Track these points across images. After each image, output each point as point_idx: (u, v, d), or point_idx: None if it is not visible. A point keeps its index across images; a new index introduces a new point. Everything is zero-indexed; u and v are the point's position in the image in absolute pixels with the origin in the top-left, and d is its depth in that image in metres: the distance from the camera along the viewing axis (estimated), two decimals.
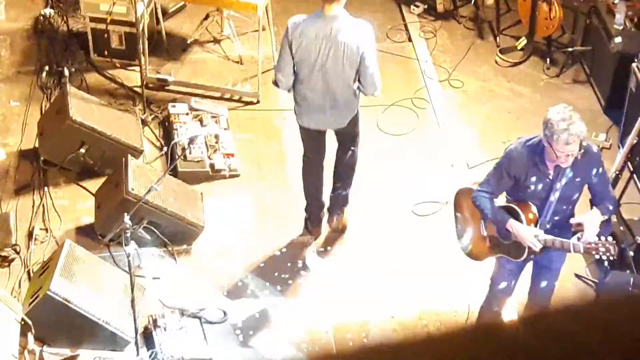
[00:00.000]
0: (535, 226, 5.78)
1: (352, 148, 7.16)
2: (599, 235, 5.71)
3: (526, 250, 5.85)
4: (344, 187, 7.29)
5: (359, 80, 6.73)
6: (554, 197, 5.76)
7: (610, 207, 5.85)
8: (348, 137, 7.12)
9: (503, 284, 6.26)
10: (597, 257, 5.75)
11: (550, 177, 5.73)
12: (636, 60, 7.70)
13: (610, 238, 5.73)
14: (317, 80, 6.67)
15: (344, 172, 7.27)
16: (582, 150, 5.61)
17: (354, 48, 6.52)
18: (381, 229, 7.42)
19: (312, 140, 7.13)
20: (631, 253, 6.68)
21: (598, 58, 8.59)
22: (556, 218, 5.84)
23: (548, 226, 5.79)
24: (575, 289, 6.92)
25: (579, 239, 5.72)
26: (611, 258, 5.72)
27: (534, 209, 5.80)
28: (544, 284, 6.19)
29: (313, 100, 6.78)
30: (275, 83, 7.01)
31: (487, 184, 5.92)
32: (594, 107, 8.46)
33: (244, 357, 6.64)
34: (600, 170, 5.79)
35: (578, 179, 5.74)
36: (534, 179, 5.77)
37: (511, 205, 5.85)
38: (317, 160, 7.22)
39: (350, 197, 7.41)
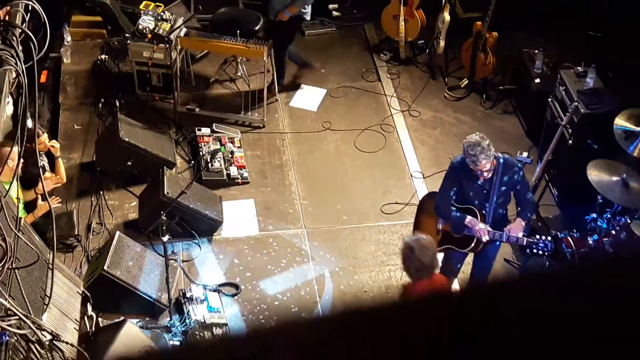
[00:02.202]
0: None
1: None
2: (529, 235, 5.80)
3: (473, 243, 5.87)
4: None
5: None
6: (492, 202, 5.78)
7: (529, 213, 5.92)
8: None
9: (451, 269, 6.27)
10: (535, 250, 5.78)
11: (483, 186, 5.76)
12: (551, 96, 7.73)
13: (548, 237, 5.81)
14: None
15: None
16: (505, 167, 5.67)
17: None
18: (358, 223, 7.43)
19: None
20: (552, 242, 6.70)
21: (522, 95, 8.61)
22: (494, 219, 5.86)
23: (489, 224, 5.82)
24: (504, 270, 6.94)
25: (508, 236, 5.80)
26: (547, 253, 5.76)
27: (480, 211, 5.83)
28: (482, 267, 6.21)
29: None
30: None
31: (444, 194, 5.93)
32: (519, 132, 8.49)
33: (251, 322, 6.63)
34: (522, 182, 5.83)
35: (504, 188, 5.77)
36: (469, 187, 5.80)
37: (469, 207, 5.86)
38: None
39: (340, 200, 7.46)
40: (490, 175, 5.68)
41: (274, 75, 8.75)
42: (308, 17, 8.69)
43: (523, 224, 5.84)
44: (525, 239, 5.78)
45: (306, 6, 8.50)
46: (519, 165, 5.85)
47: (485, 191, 5.77)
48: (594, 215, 6.66)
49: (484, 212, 5.81)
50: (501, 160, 5.71)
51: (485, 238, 5.78)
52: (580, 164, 6.66)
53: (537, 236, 5.83)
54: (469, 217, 5.80)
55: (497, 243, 6.02)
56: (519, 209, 5.97)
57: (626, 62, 8.77)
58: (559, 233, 6.72)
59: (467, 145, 5.58)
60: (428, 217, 6.20)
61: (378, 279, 6.96)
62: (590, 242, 6.42)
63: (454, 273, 6.31)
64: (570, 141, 7.21)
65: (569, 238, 6.54)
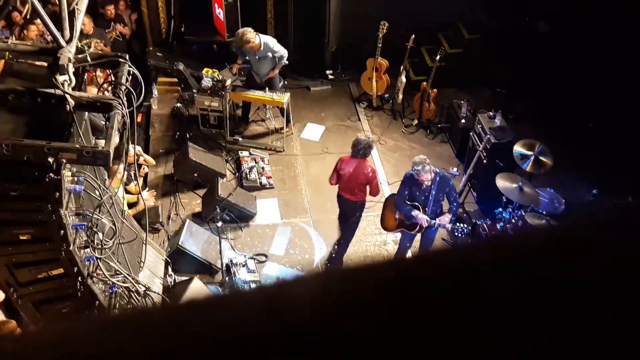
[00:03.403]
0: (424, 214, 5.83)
1: None
2: (455, 223, 5.80)
3: (417, 227, 5.88)
4: None
5: None
6: (431, 200, 5.79)
7: (454, 209, 5.88)
8: None
9: (405, 245, 6.29)
10: (457, 233, 5.84)
11: (424, 191, 5.76)
12: (472, 131, 7.74)
13: (466, 225, 5.91)
14: None
15: None
16: (441, 178, 5.66)
17: None
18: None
19: None
20: (469, 228, 6.69)
21: (453, 130, 8.62)
22: (433, 212, 5.86)
23: (428, 215, 5.82)
24: (441, 245, 6.93)
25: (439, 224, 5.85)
26: (464, 235, 5.86)
27: (422, 207, 5.84)
28: (426, 243, 6.21)
29: None
30: None
31: (400, 195, 5.96)
32: (451, 154, 8.47)
33: (276, 278, 6.61)
34: (452, 188, 5.85)
35: (440, 194, 5.76)
36: (415, 191, 5.81)
37: (414, 203, 5.88)
38: None
39: (333, 201, 7.43)
40: (430, 183, 5.71)
41: (291, 117, 8.74)
42: (286, 62, 8.34)
43: (450, 216, 5.85)
44: (450, 225, 5.81)
45: (285, 60, 8.24)
46: (450, 178, 5.87)
47: (426, 194, 5.79)
48: (501, 209, 6.66)
49: (426, 207, 5.83)
50: (439, 174, 5.74)
51: (424, 224, 5.81)
52: (491, 176, 6.67)
53: (459, 224, 5.86)
54: (415, 211, 5.83)
55: (434, 228, 6.01)
56: (449, 206, 5.97)
57: (520, 109, 8.81)
58: (477, 221, 6.72)
59: (414, 162, 5.66)
60: (390, 210, 6.23)
61: (358, 250, 6.93)
62: (498, 227, 6.42)
63: (407, 248, 6.32)
64: (484, 160, 7.21)
65: (484, 224, 6.54)
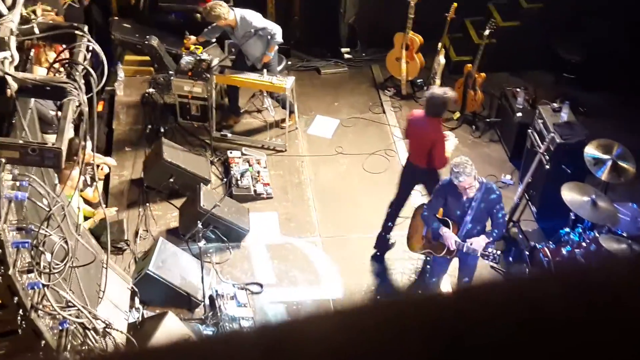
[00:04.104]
0: (456, 234, 5.85)
1: None
2: (487, 249, 5.83)
3: (445, 249, 5.89)
4: None
5: None
6: (469, 218, 5.79)
7: (495, 234, 5.86)
8: None
9: (438, 272, 6.30)
10: (487, 260, 5.90)
11: (464, 204, 5.77)
12: (530, 128, 7.72)
13: (498, 251, 5.88)
14: None
15: None
16: (486, 190, 5.67)
17: None
18: (366, 233, 7.40)
19: None
20: (527, 253, 6.67)
21: (506, 126, 8.60)
22: (468, 233, 5.87)
23: (461, 236, 5.86)
24: (491, 275, 6.92)
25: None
26: (495, 263, 5.97)
27: (456, 224, 5.87)
28: (464, 274, 6.20)
29: None
30: None
31: (430, 206, 6.01)
32: (503, 157, 8.46)
33: (273, 316, 6.62)
34: (499, 207, 5.83)
35: (482, 206, 5.76)
36: (452, 203, 5.82)
37: (445, 219, 5.90)
38: None
39: (350, 213, 7.47)
40: (472, 194, 5.71)
41: (295, 107, 8.78)
42: (280, 39, 8.41)
43: (486, 240, 5.83)
44: (480, 251, 5.83)
45: (278, 38, 8.30)
46: (499, 192, 5.86)
47: (465, 208, 5.79)
48: (567, 229, 6.63)
49: (459, 225, 5.83)
50: (484, 185, 5.75)
51: (452, 247, 5.84)
52: (555, 186, 6.65)
53: (489, 249, 5.85)
54: (444, 228, 5.86)
55: (469, 254, 5.99)
56: (492, 229, 5.93)
57: (595, 100, 8.78)
58: (537, 244, 6.70)
59: (453, 164, 5.71)
60: (418, 223, 6.25)
61: (384, 281, 6.94)
62: (564, 252, 6.39)
63: (440, 277, 6.32)
64: (547, 166, 7.20)
65: (546, 249, 6.51)
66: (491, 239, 5.85)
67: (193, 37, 8.51)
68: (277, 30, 8.25)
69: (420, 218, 6.15)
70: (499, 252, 5.88)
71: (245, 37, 8.15)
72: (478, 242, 5.83)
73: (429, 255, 6.25)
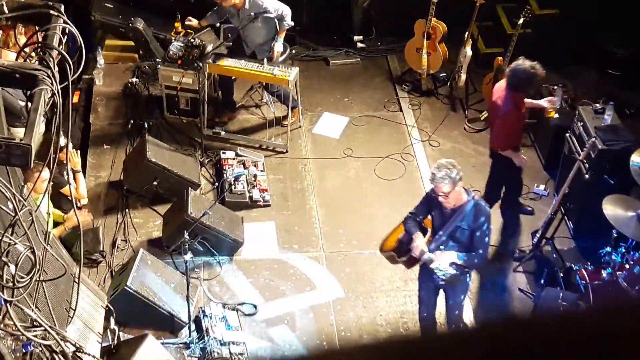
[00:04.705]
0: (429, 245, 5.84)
1: None
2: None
3: (408, 256, 5.95)
4: None
5: None
6: (443, 232, 5.75)
7: (467, 258, 5.73)
8: None
9: (426, 312, 6.34)
10: (434, 276, 5.86)
11: (447, 216, 5.73)
12: (569, 131, 7.72)
13: (450, 272, 5.79)
14: None
15: None
16: (474, 207, 5.64)
17: None
18: (376, 249, 7.40)
19: None
20: (561, 274, 6.67)
21: (540, 129, 8.60)
22: (442, 247, 5.82)
23: (432, 248, 5.83)
24: (519, 299, 6.93)
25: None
26: (441, 282, 5.87)
27: (432, 234, 5.90)
28: (452, 309, 6.17)
29: None
30: None
31: (414, 211, 6.01)
32: (537, 165, 8.46)
33: (269, 342, 6.63)
34: (484, 230, 5.70)
35: (464, 226, 5.69)
36: (435, 212, 5.83)
37: (426, 227, 5.96)
38: None
39: (359, 226, 7.51)
40: (449, 206, 5.68)
41: (300, 102, 8.81)
42: (291, 22, 8.56)
43: (453, 259, 5.74)
44: (438, 265, 5.75)
45: (289, 20, 8.43)
46: (488, 214, 5.74)
47: (445, 221, 5.77)
48: (608, 249, 6.62)
49: (436, 236, 5.83)
50: (474, 201, 5.70)
51: (415, 253, 5.84)
52: (596, 199, 6.63)
53: (439, 267, 5.79)
54: (417, 233, 5.89)
55: (462, 284, 5.98)
56: (470, 251, 5.78)
57: None
58: (573, 265, 6.69)
59: (435, 165, 5.66)
60: (401, 227, 6.23)
61: (393, 304, 6.94)
62: (604, 275, 6.38)
63: (430, 311, 6.35)
64: (586, 176, 7.19)
65: (583, 270, 6.50)
66: (461, 261, 5.72)
67: (195, 20, 8.56)
68: (288, 12, 8.32)
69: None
70: (447, 272, 5.80)
71: (251, 20, 8.19)
72: (443, 257, 5.77)
73: (391, 260, 6.19)
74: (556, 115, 8.10)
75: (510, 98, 6.83)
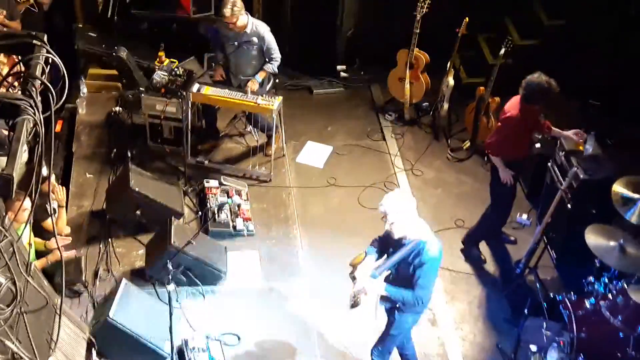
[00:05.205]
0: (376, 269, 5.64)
1: None
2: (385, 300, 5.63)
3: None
4: None
5: None
6: (390, 260, 5.56)
7: (394, 291, 5.53)
8: None
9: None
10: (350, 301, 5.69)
11: (397, 246, 5.55)
12: (551, 161, 7.75)
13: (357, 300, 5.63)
14: None
15: None
16: (417, 248, 5.43)
17: None
18: None
19: None
20: (545, 304, 6.65)
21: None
22: (384, 275, 5.61)
23: (374, 273, 5.61)
24: (504, 329, 6.93)
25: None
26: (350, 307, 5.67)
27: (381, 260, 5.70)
28: (385, 330, 6.04)
29: None
30: None
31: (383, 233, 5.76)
32: (519, 194, 8.41)
33: None
34: (420, 272, 5.44)
35: (409, 263, 5.48)
36: (390, 241, 5.64)
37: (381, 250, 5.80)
38: None
39: (342, 257, 7.44)
40: (395, 236, 5.49)
41: (282, 131, 8.80)
42: (277, 70, 8.61)
43: (381, 287, 5.54)
44: (361, 290, 5.56)
45: (275, 66, 8.50)
46: (430, 259, 5.42)
47: (396, 250, 5.58)
48: (591, 278, 6.61)
49: (384, 262, 5.65)
50: (420, 242, 5.45)
51: (354, 273, 5.68)
52: (578, 228, 6.61)
53: (354, 294, 5.65)
54: (371, 255, 5.74)
55: (397, 320, 5.83)
56: (407, 289, 5.56)
57: (624, 130, 8.82)
58: (556, 295, 6.67)
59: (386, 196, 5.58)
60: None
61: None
62: (587, 305, 6.37)
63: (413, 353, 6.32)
64: (569, 205, 7.21)
65: (567, 300, 6.49)
66: (387, 292, 5.56)
67: (219, 70, 8.65)
68: (279, 58, 8.42)
69: None
70: (354, 301, 5.64)
71: (245, 47, 8.24)
72: (370, 282, 5.54)
73: (350, 275, 6.01)
74: (538, 145, 8.13)
75: (519, 106, 6.93)
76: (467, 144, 9.17)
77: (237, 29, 8.14)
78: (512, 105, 7.02)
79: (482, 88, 8.77)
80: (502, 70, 8.51)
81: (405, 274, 5.57)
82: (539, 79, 6.77)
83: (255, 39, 8.20)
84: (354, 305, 5.67)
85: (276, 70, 8.49)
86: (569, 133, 7.44)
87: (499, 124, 7.18)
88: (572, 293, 6.65)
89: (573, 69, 9.40)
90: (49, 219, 6.91)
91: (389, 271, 5.63)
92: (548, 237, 7.62)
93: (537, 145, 8.20)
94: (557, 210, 7.12)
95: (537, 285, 7.01)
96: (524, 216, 8.12)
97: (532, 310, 6.54)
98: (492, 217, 7.63)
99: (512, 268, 7.57)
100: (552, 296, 6.69)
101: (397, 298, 5.58)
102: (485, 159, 8.92)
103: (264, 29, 8.22)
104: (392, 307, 5.80)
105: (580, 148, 7.44)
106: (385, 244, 5.74)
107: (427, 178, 8.85)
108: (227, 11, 7.95)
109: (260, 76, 8.43)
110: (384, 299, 5.65)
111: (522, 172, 7.54)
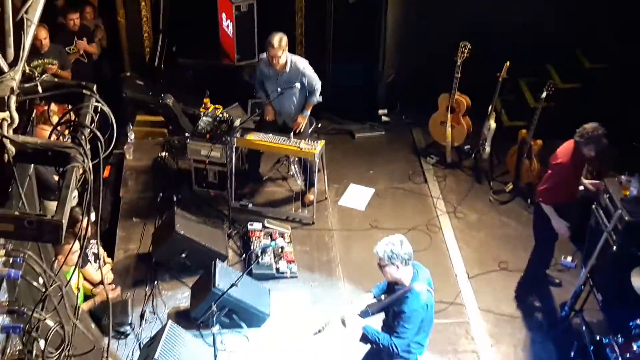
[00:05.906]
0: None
1: None
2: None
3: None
4: None
5: None
6: (381, 301, 5.67)
7: (374, 333, 5.54)
8: None
9: None
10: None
11: (390, 289, 5.66)
12: (595, 203, 7.65)
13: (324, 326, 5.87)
14: None
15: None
16: (407, 293, 5.43)
17: None
18: None
19: None
20: (591, 347, 6.52)
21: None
22: (375, 314, 5.72)
23: (364, 310, 5.70)
24: None
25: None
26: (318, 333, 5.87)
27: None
28: None
29: None
30: None
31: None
32: (564, 236, 8.34)
33: None
34: (401, 318, 5.44)
35: (392, 307, 5.56)
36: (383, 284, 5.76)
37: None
38: None
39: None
40: (398, 285, 5.54)
41: (325, 175, 8.82)
42: (320, 98, 8.65)
43: (362, 325, 5.57)
44: (345, 325, 5.63)
45: (318, 95, 8.52)
46: (412, 310, 5.39)
47: (389, 292, 5.68)
48: (639, 321, 6.50)
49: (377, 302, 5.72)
50: (410, 290, 5.45)
51: (343, 314, 5.70)
52: (624, 270, 6.56)
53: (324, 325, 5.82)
54: (369, 293, 5.87)
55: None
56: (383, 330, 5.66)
57: None
58: (603, 338, 6.55)
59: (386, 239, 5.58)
60: None
61: None
62: (635, 347, 6.24)
63: None
64: (614, 247, 7.11)
65: (614, 343, 6.36)
66: (365, 332, 5.56)
67: (269, 108, 8.60)
68: (319, 86, 8.41)
69: None
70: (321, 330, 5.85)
71: (286, 87, 8.27)
72: (356, 319, 5.60)
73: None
74: (581, 188, 8.03)
75: (570, 151, 6.94)
76: (510, 186, 9.10)
77: (278, 67, 8.20)
78: (564, 152, 7.00)
79: (524, 131, 8.73)
80: (543, 113, 8.47)
81: (389, 319, 5.65)
82: (595, 125, 6.84)
83: (295, 78, 8.26)
84: (319, 332, 5.92)
85: (320, 99, 8.54)
86: (587, 182, 7.51)
87: (550, 170, 7.13)
88: (619, 336, 6.52)
89: (615, 111, 9.31)
90: (87, 267, 7.02)
91: (381, 312, 5.72)
92: (593, 280, 7.50)
93: (581, 188, 8.11)
94: (602, 253, 7.04)
95: (583, 328, 6.90)
96: (569, 259, 8.02)
97: (579, 354, 6.43)
98: (536, 259, 7.53)
99: (557, 311, 7.45)
100: (598, 339, 6.57)
101: (373, 338, 5.58)
102: (529, 201, 8.85)
103: (303, 64, 8.28)
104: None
105: (626, 193, 7.34)
106: (391, 286, 5.76)
107: (470, 220, 8.78)
108: (275, 41, 8.02)
109: (307, 110, 8.50)
110: (363, 337, 5.68)
111: (568, 216, 7.43)
